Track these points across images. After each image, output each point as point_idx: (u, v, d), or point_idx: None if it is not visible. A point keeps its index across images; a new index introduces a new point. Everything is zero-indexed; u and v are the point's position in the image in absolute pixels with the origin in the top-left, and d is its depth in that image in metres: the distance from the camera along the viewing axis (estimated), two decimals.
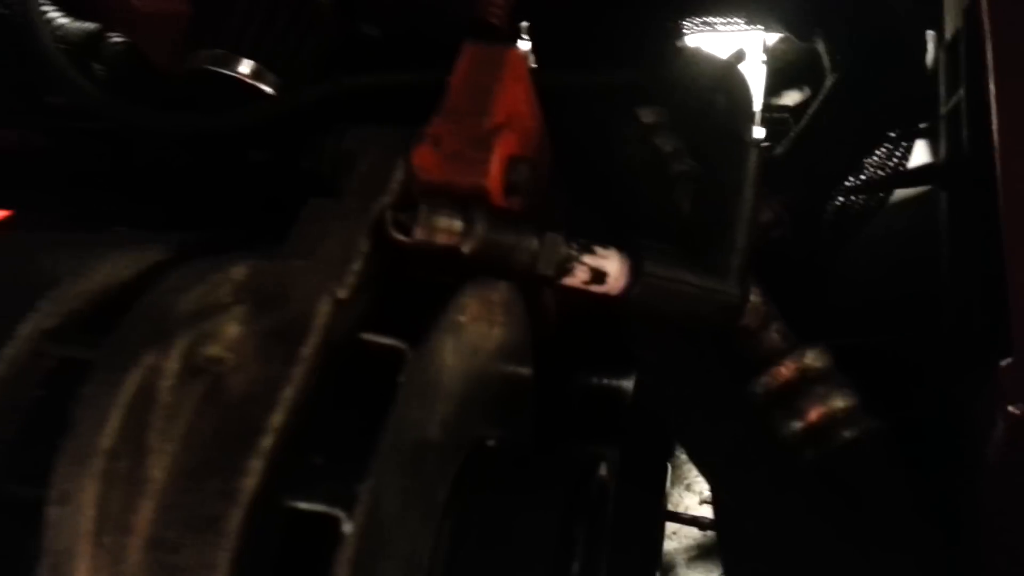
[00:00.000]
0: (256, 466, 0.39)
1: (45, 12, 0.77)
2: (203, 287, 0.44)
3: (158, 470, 0.39)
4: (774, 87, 1.23)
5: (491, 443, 0.54)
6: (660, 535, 0.97)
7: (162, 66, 0.83)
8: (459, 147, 0.51)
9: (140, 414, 0.39)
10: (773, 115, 1.15)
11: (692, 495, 1.86)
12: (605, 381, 0.83)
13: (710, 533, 1.71)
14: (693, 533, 1.85)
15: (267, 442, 0.40)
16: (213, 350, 0.42)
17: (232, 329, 0.43)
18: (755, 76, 1.10)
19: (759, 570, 0.56)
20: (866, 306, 0.90)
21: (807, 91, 1.24)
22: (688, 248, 0.54)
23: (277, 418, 0.40)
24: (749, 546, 0.56)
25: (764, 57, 1.13)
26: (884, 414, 0.60)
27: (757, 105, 1.15)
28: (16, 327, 0.43)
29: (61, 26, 0.78)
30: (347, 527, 0.37)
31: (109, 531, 0.38)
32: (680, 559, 2.00)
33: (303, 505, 0.38)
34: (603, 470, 0.58)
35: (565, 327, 0.74)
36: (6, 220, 0.87)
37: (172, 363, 0.40)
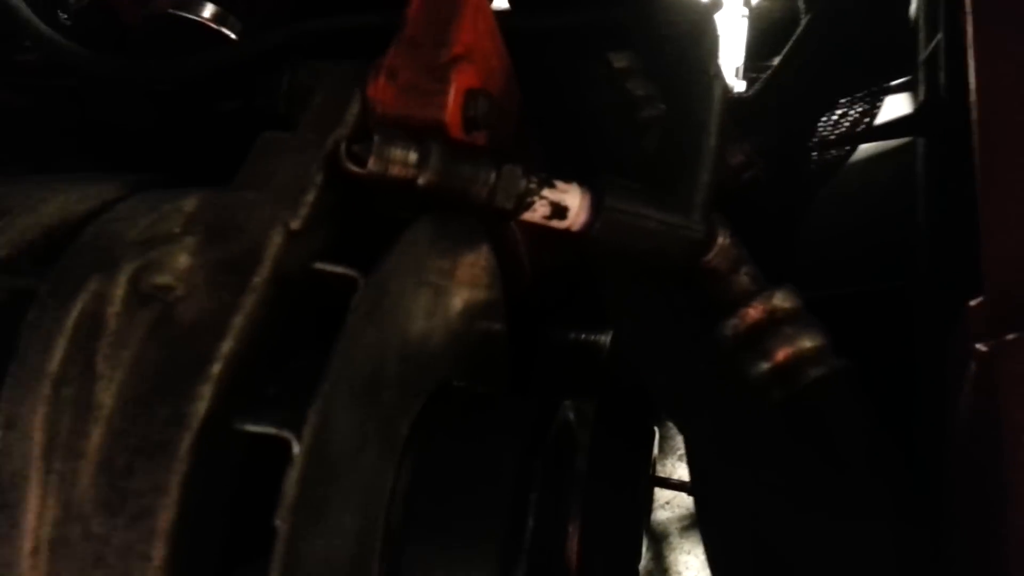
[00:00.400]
0: (206, 391, 0.39)
1: None
2: (152, 216, 0.43)
3: (107, 396, 0.39)
4: (759, 48, 1.22)
5: (458, 384, 0.54)
6: (643, 486, 0.97)
7: (128, 14, 0.81)
8: (416, 79, 0.50)
9: (87, 340, 0.39)
10: (756, 75, 1.14)
11: (685, 466, 1.88)
12: (583, 336, 0.83)
13: None
14: (687, 502, 1.87)
15: (216, 369, 0.39)
16: (162, 279, 0.42)
17: (182, 259, 0.43)
18: (736, 30, 1.09)
19: (729, 527, 0.56)
20: (846, 258, 0.90)
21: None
22: (653, 185, 0.53)
23: (227, 345, 0.40)
24: (715, 478, 0.56)
25: (746, 12, 1.12)
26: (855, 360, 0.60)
27: (739, 60, 1.14)
28: None
29: None
30: (296, 448, 0.37)
31: (59, 456, 0.38)
32: (674, 528, 2.02)
33: (253, 428, 0.38)
34: (570, 415, 0.58)
35: (543, 284, 0.74)
36: None
37: (118, 289, 0.40)
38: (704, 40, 0.61)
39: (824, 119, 0.78)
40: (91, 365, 0.39)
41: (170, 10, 0.68)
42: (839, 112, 0.81)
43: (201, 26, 0.68)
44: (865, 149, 0.96)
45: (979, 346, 0.55)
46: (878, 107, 0.79)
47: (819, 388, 0.57)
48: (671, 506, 2.04)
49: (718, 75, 0.54)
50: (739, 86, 1.05)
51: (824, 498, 0.52)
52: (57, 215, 0.47)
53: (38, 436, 0.38)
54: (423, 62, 0.50)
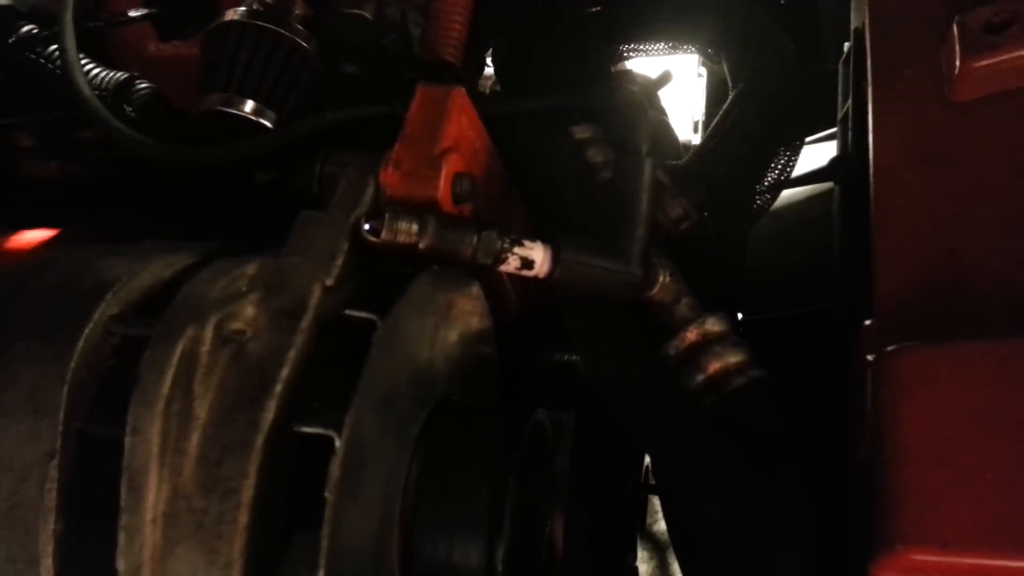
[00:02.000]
0: (272, 405, 0.54)
1: (83, 64, 0.92)
2: (226, 279, 0.60)
3: (202, 409, 0.55)
4: (716, 96, 1.38)
5: (456, 398, 0.70)
6: (628, 488, 1.10)
7: (178, 101, 0.99)
8: (415, 167, 0.66)
9: (186, 370, 0.55)
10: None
11: None
12: (565, 356, 0.98)
13: None
14: None
15: (279, 388, 0.55)
16: (236, 325, 0.58)
17: (249, 310, 0.59)
18: (695, 90, 1.25)
19: (672, 486, 0.70)
20: (783, 285, 1.05)
21: None
22: (600, 239, 0.69)
23: (285, 372, 0.56)
24: (666, 483, 0.71)
25: (703, 72, 1.28)
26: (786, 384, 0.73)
27: (698, 113, 1.30)
28: (91, 314, 0.58)
29: (97, 75, 0.94)
30: (338, 443, 0.52)
31: (169, 453, 0.54)
32: None
33: (307, 429, 0.53)
34: (545, 419, 0.72)
35: (530, 315, 0.89)
36: (56, 237, 1.03)
37: (207, 334, 0.56)
38: (638, 121, 0.76)
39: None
40: (190, 388, 0.55)
41: (218, 107, 0.85)
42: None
43: (243, 118, 0.85)
44: (803, 191, 1.12)
45: (869, 357, 0.69)
46: (796, 158, 0.95)
47: (741, 394, 0.72)
48: None
49: (649, 152, 0.70)
50: (695, 138, 1.21)
51: (740, 480, 0.66)
52: (151, 279, 0.63)
53: (155, 439, 0.53)
54: (420, 154, 0.67)
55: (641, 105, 0.73)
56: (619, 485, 1.05)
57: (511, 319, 0.87)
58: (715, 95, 1.32)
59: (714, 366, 0.73)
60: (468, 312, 0.73)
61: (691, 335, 0.75)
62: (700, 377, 0.73)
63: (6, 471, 0.55)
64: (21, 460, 0.55)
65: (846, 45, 1.12)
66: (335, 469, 0.51)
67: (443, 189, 0.66)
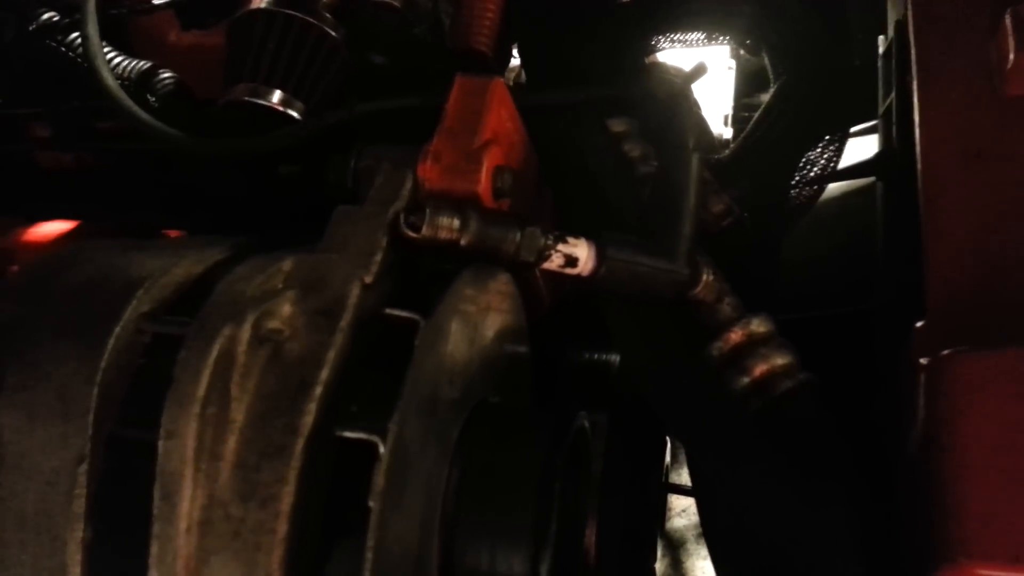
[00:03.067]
0: (311, 408, 0.52)
1: (106, 52, 0.90)
2: (262, 276, 0.57)
3: (239, 413, 0.52)
4: (746, 89, 1.36)
5: (494, 400, 0.67)
6: (654, 488, 1.08)
7: (199, 92, 0.96)
8: (455, 161, 0.64)
9: (223, 372, 0.52)
10: (743, 114, 1.27)
11: None
12: (596, 356, 0.96)
13: None
14: None
15: (319, 391, 0.53)
16: (273, 324, 0.55)
17: (286, 308, 0.56)
18: (724, 83, 1.22)
19: (717, 492, 0.68)
20: (822, 283, 1.02)
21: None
22: (645, 236, 0.66)
23: (324, 373, 0.53)
24: (708, 476, 0.68)
25: (732, 64, 1.25)
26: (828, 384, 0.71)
27: (727, 106, 1.27)
28: (121, 311, 0.56)
29: (119, 64, 0.91)
30: (382, 449, 0.50)
31: (205, 458, 0.51)
32: (690, 535, 2.12)
33: (349, 434, 0.51)
34: (585, 423, 0.70)
35: (560, 311, 0.87)
36: (76, 230, 1.01)
37: (244, 334, 0.53)
38: (684, 114, 0.74)
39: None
40: (227, 391, 0.52)
41: (245, 97, 0.83)
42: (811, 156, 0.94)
43: (270, 109, 0.83)
44: (840, 185, 1.09)
45: (923, 360, 0.67)
46: (841, 152, 0.92)
47: (788, 397, 0.69)
48: (687, 514, 2.13)
49: (696, 147, 0.67)
50: (727, 133, 1.18)
51: (789, 484, 0.64)
52: (183, 275, 0.61)
53: (190, 443, 0.51)
54: (460, 147, 0.64)
55: (686, 98, 0.70)
56: (646, 486, 1.03)
57: (541, 315, 0.84)
58: (745, 87, 1.29)
59: (760, 368, 0.71)
60: (505, 310, 0.71)
61: (735, 336, 0.72)
62: (745, 380, 0.71)
63: (33, 475, 0.53)
64: (49, 464, 0.53)
65: (880, 39, 1.09)
66: (380, 477, 0.49)
67: (484, 183, 0.63)
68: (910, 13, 0.86)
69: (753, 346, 0.72)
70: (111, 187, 1.08)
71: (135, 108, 0.80)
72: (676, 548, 2.09)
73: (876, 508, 0.66)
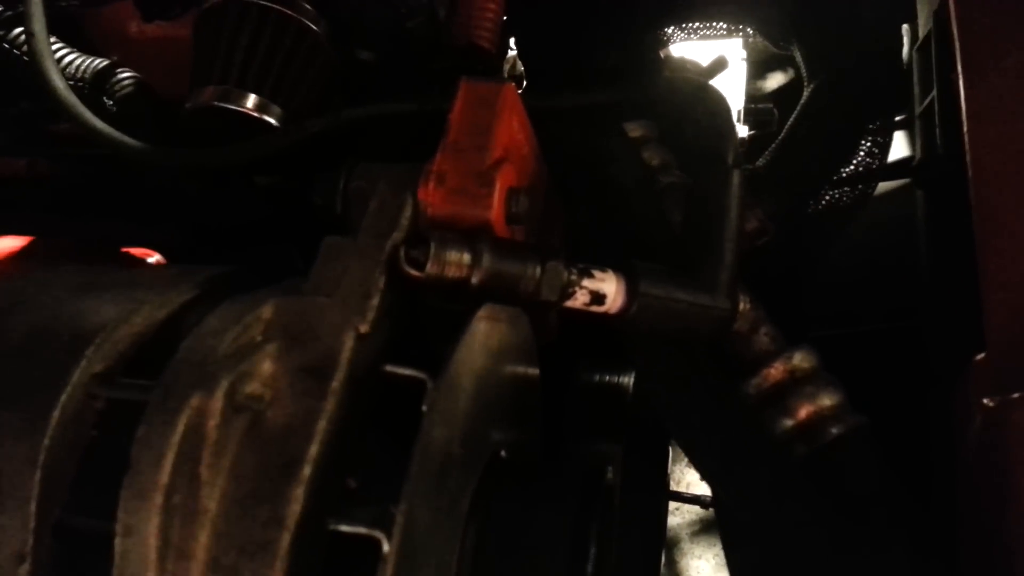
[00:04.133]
0: (299, 494, 0.43)
1: (56, 49, 0.80)
2: (237, 328, 0.48)
3: (211, 501, 0.43)
4: (757, 72, 1.27)
5: (503, 454, 0.59)
6: (663, 518, 1.03)
7: (164, 91, 0.86)
8: (462, 182, 0.55)
9: (191, 451, 0.43)
10: (758, 106, 1.18)
11: (693, 472, 1.93)
12: (606, 378, 0.88)
13: (712, 509, 1.78)
14: (696, 508, 1.92)
15: (307, 471, 0.44)
16: (251, 387, 0.46)
17: (267, 366, 0.47)
18: (737, 76, 1.14)
19: (754, 557, 0.61)
20: (850, 297, 0.95)
21: (790, 72, 1.27)
22: (679, 264, 0.58)
23: (314, 449, 0.45)
24: (745, 536, 0.61)
25: (744, 54, 1.17)
26: (865, 408, 0.65)
27: (739, 101, 1.19)
28: (69, 373, 0.47)
29: (71, 63, 0.81)
30: (386, 547, 0.41)
31: (171, 558, 0.42)
32: (684, 534, 2.07)
33: (346, 528, 0.42)
34: (610, 476, 0.62)
35: (566, 328, 0.78)
36: (27, 247, 0.90)
37: (216, 403, 0.44)
38: (711, 115, 0.65)
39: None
40: (196, 474, 0.43)
41: (215, 102, 0.73)
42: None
43: (244, 115, 0.73)
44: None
45: (986, 401, 0.59)
46: (887, 149, 0.83)
47: (840, 445, 0.61)
48: (680, 512, 2.09)
49: (736, 162, 0.58)
50: (742, 131, 1.09)
51: (844, 536, 0.57)
52: (143, 323, 0.51)
53: (152, 541, 0.42)
54: (468, 166, 0.55)
55: (725, 105, 0.61)
56: (656, 507, 0.97)
57: (551, 337, 0.76)
58: (752, 75, 1.20)
59: (805, 410, 0.63)
60: (518, 351, 0.62)
61: (776, 372, 0.65)
62: (788, 422, 0.63)
63: None
64: None
65: (904, 27, 1.01)
66: None
67: (497, 209, 0.54)
68: (952, 3, 0.78)
69: (796, 384, 0.64)
70: (67, 196, 0.98)
71: (87, 114, 0.70)
72: (670, 547, 2.04)
73: (937, 562, 0.59)
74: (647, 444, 0.84)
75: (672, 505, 2.01)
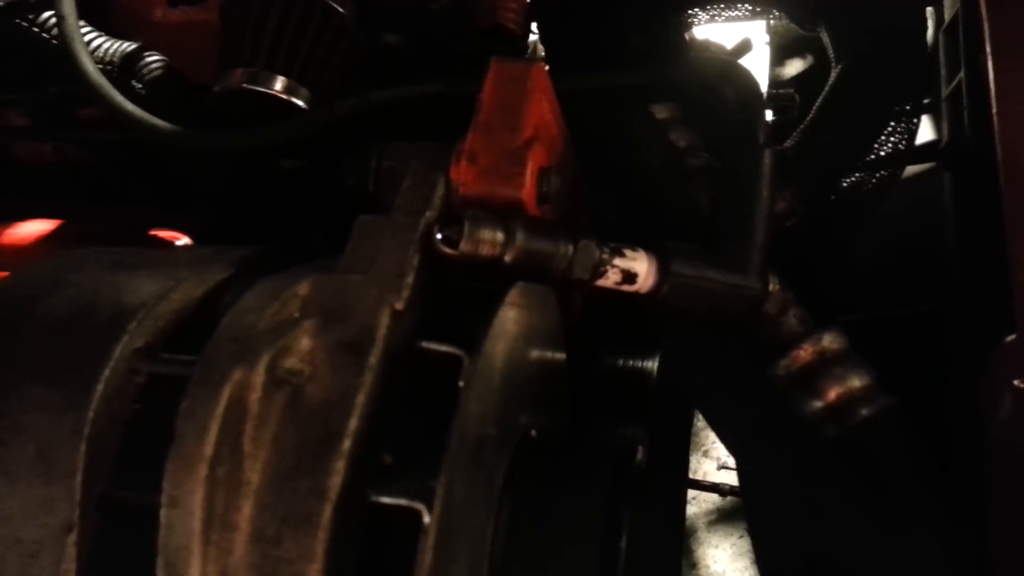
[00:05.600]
0: (340, 466, 0.44)
1: (84, 33, 0.80)
2: (276, 304, 0.48)
3: (254, 473, 0.44)
4: (778, 58, 1.26)
5: (534, 433, 0.59)
6: (683, 504, 1.03)
7: (191, 75, 0.86)
8: (494, 162, 0.55)
9: (234, 424, 0.44)
10: (779, 91, 1.17)
11: (710, 461, 1.93)
12: (631, 362, 0.88)
13: (729, 498, 1.78)
14: (713, 497, 1.92)
15: (347, 445, 0.44)
16: (291, 362, 0.47)
17: (305, 342, 0.48)
18: (760, 59, 1.13)
19: (783, 538, 0.61)
20: (874, 281, 0.95)
21: (810, 58, 1.26)
22: (710, 245, 0.58)
23: (353, 423, 0.45)
24: (773, 516, 0.61)
25: (767, 38, 1.16)
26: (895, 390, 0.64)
27: (763, 85, 1.18)
28: (111, 348, 0.47)
29: (100, 46, 0.81)
30: (427, 518, 0.42)
31: (216, 529, 0.43)
32: (701, 523, 2.07)
33: (387, 500, 0.43)
34: (640, 456, 0.62)
35: (590, 312, 0.78)
36: (56, 231, 0.91)
37: (258, 377, 0.45)
38: (740, 94, 0.64)
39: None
40: (239, 446, 0.44)
41: (244, 84, 0.73)
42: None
43: (273, 97, 0.73)
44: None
45: (1017, 382, 0.59)
46: (915, 131, 0.82)
47: (870, 426, 0.61)
48: (698, 501, 2.09)
49: (767, 142, 0.58)
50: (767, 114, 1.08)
51: (873, 531, 0.57)
52: (182, 301, 0.52)
53: (198, 512, 0.43)
54: (500, 146, 0.55)
55: (754, 83, 0.61)
56: (679, 493, 0.97)
57: (576, 320, 0.76)
58: (776, 58, 1.19)
59: (835, 391, 0.63)
60: (547, 330, 0.62)
61: (805, 354, 0.65)
62: (818, 404, 0.63)
63: (13, 546, 0.45)
64: (31, 534, 0.45)
65: (929, 10, 1.00)
66: (427, 555, 0.41)
67: (528, 188, 0.55)
68: None
69: (826, 365, 0.64)
70: (95, 180, 0.99)
71: (118, 97, 0.71)
72: (688, 537, 2.04)
73: (966, 542, 0.59)
74: (669, 431, 0.84)
75: (690, 494, 2.01)
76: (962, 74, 0.83)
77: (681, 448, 0.97)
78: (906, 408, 0.65)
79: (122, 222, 0.97)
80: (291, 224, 0.84)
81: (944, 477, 0.62)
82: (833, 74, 0.77)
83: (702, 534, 2.08)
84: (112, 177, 0.99)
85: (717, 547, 2.06)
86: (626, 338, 0.87)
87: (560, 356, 0.67)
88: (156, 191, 0.96)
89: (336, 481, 0.44)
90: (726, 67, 0.66)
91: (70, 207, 1.00)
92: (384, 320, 0.49)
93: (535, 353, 0.62)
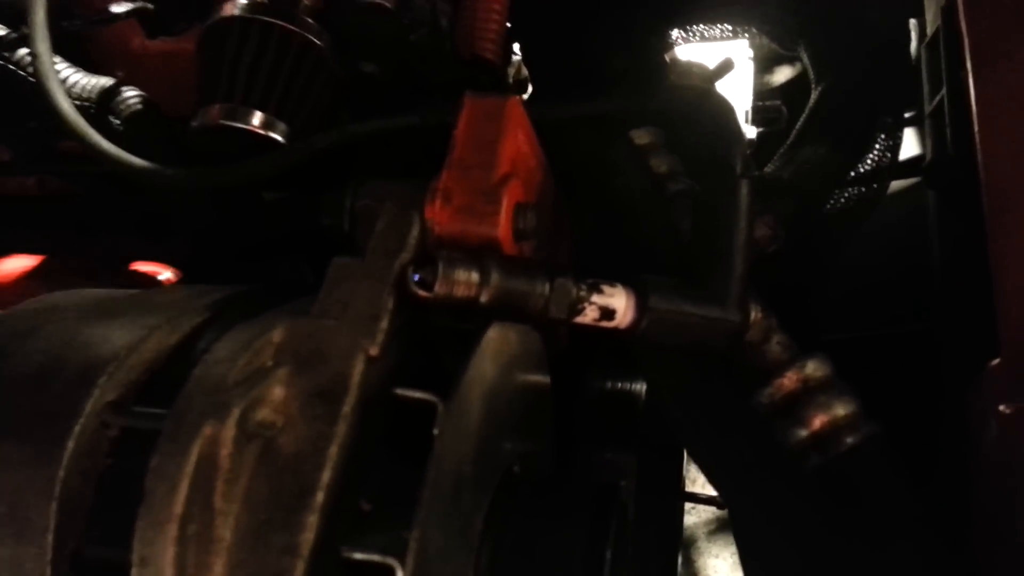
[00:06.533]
0: (312, 521, 0.43)
1: (59, 70, 0.80)
2: (248, 354, 0.48)
3: (225, 530, 0.43)
4: (765, 67, 1.26)
5: (516, 470, 0.59)
6: (679, 519, 1.02)
7: (170, 107, 0.86)
8: (469, 200, 0.54)
9: (205, 480, 0.43)
10: (765, 103, 1.17)
11: None
12: (618, 385, 0.87)
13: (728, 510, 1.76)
14: (712, 508, 1.91)
15: (320, 498, 0.44)
16: (263, 414, 0.46)
17: (277, 392, 0.47)
18: (744, 76, 1.12)
19: (771, 565, 0.60)
20: (860, 299, 0.94)
21: (797, 66, 1.26)
22: (688, 276, 0.57)
23: (326, 475, 0.45)
24: (761, 547, 0.60)
25: (751, 52, 1.16)
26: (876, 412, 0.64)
27: (747, 100, 1.17)
28: (82, 403, 0.47)
29: (76, 83, 0.81)
30: (400, 573, 0.41)
31: None
32: (701, 532, 2.06)
33: (359, 555, 0.42)
34: (623, 494, 0.62)
35: (577, 335, 0.78)
36: (38, 268, 0.91)
37: (228, 431, 0.44)
38: (717, 123, 0.64)
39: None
40: (210, 503, 0.43)
41: (221, 120, 0.73)
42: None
43: (251, 133, 0.73)
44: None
45: (1002, 408, 0.58)
46: (897, 147, 0.81)
47: (855, 455, 0.61)
48: (697, 511, 2.07)
49: (744, 172, 0.58)
50: (750, 132, 1.08)
51: (858, 562, 0.56)
52: (155, 350, 0.52)
53: (168, 571, 0.42)
54: (475, 184, 0.55)
55: (730, 112, 0.60)
56: (672, 507, 0.97)
57: (561, 347, 0.76)
58: (757, 71, 1.18)
59: (819, 420, 0.62)
60: (529, 361, 0.62)
61: (788, 382, 0.64)
62: (802, 432, 0.63)
63: None
64: None
65: (912, 22, 0.99)
66: None
67: (504, 226, 0.54)
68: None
69: (810, 393, 0.63)
70: (78, 213, 0.98)
71: (95, 136, 0.70)
72: (687, 547, 2.03)
73: (952, 566, 0.59)
74: (662, 445, 0.83)
75: (688, 504, 1.99)
76: (944, 90, 0.82)
77: (674, 465, 0.96)
78: (894, 428, 0.64)
79: (105, 254, 0.96)
80: (276, 255, 0.84)
81: (929, 503, 0.61)
82: (813, 95, 0.76)
83: (702, 544, 2.07)
84: (95, 209, 0.99)
85: (717, 556, 2.05)
86: (614, 360, 0.86)
87: (544, 380, 0.66)
88: (139, 223, 0.95)
89: (308, 537, 0.43)
90: (702, 95, 0.66)
91: (54, 239, 1.00)
92: (358, 367, 0.49)
93: (518, 380, 0.61)
